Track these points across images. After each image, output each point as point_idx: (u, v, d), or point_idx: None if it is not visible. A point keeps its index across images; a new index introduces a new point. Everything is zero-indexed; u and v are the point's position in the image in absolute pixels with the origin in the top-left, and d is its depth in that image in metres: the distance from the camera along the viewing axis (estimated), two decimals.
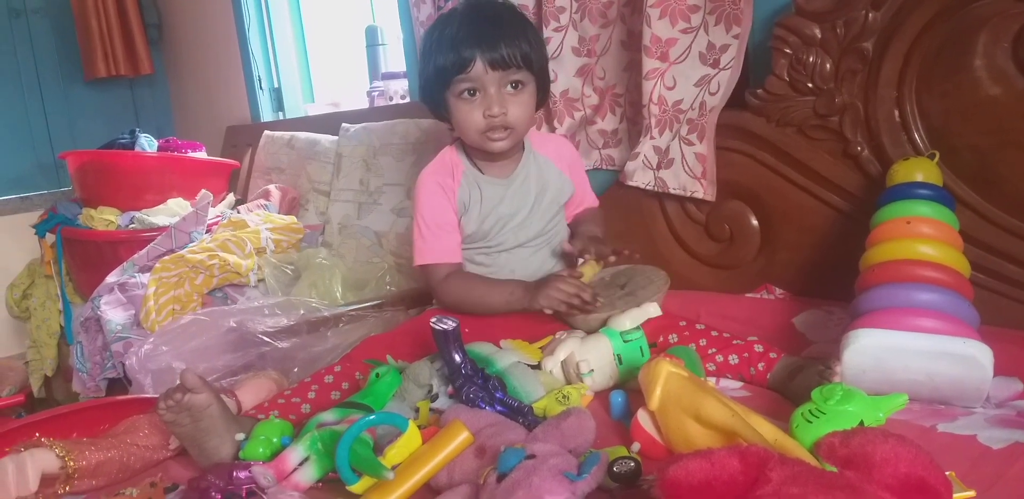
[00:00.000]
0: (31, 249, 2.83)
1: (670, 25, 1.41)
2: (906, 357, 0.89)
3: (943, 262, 0.98)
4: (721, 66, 1.38)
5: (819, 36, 1.24)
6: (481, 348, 1.09)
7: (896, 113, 1.20)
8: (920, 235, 1.01)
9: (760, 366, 1.05)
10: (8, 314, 2.94)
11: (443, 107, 1.24)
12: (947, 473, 0.64)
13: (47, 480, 0.94)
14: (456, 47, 1.16)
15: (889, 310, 0.93)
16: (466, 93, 1.19)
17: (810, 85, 1.27)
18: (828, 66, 1.25)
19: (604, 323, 1.14)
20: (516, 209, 1.29)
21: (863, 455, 0.63)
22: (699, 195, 1.44)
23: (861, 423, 0.80)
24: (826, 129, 1.27)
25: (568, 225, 1.41)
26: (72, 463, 0.95)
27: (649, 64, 1.44)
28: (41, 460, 0.94)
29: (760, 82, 1.34)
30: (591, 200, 1.44)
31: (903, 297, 0.94)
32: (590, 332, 1.15)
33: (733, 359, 1.07)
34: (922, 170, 1.10)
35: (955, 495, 0.70)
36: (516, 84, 1.20)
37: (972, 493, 0.72)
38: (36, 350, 2.76)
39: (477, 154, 1.29)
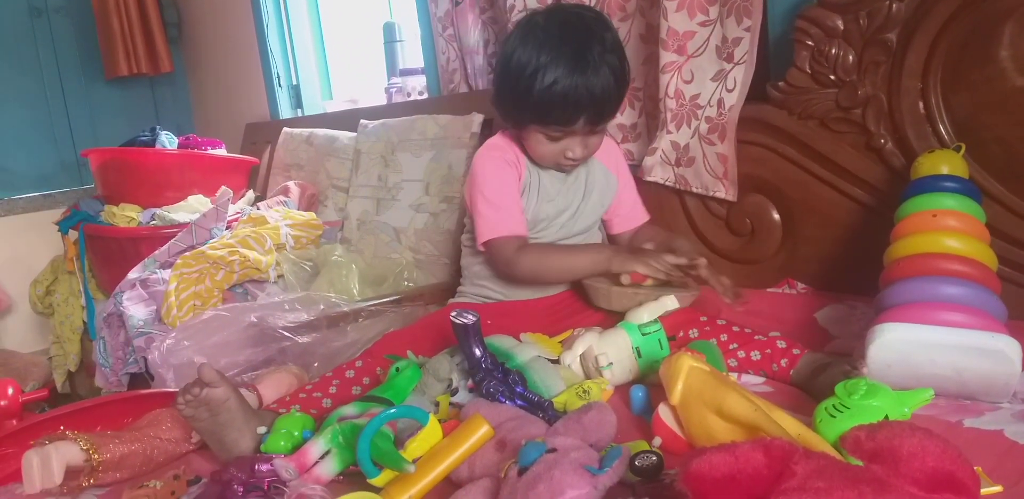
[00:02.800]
0: (54, 246, 2.86)
1: (688, 18, 1.40)
2: (932, 352, 0.88)
3: (970, 255, 0.96)
4: (736, 60, 1.37)
5: (842, 27, 1.23)
6: (501, 342, 1.08)
7: (921, 105, 1.19)
8: (946, 228, 0.99)
9: (783, 362, 1.04)
10: (32, 310, 2.97)
11: (520, 125, 1.22)
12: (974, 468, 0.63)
13: (72, 473, 0.95)
14: (565, 103, 1.13)
15: (915, 304, 0.92)
16: (554, 135, 1.19)
17: (832, 77, 1.26)
18: (851, 58, 1.23)
19: (630, 301, 1.14)
20: (567, 204, 1.29)
21: (890, 449, 0.62)
22: (721, 195, 1.43)
23: (886, 418, 0.79)
24: (849, 122, 1.26)
25: (632, 239, 1.39)
26: (96, 456, 0.95)
27: (666, 57, 1.43)
28: (66, 453, 0.94)
29: (781, 74, 1.32)
30: (643, 212, 1.42)
31: (929, 291, 0.93)
32: (610, 311, 1.15)
33: (755, 355, 1.06)
34: (947, 162, 1.09)
35: (982, 490, 0.69)
36: (600, 128, 1.21)
37: (999, 488, 0.71)
38: (59, 346, 2.79)
39: None
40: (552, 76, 1.12)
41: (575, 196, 1.30)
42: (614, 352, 1.06)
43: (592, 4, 1.58)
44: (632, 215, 1.40)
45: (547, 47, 1.13)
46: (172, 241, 2.11)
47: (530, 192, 1.27)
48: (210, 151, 2.64)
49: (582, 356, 1.07)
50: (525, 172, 1.27)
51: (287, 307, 1.58)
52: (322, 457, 0.88)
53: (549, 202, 1.28)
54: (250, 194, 2.62)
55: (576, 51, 1.13)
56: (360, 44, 2.87)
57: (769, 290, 1.39)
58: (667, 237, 1.33)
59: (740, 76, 1.37)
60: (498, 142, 1.30)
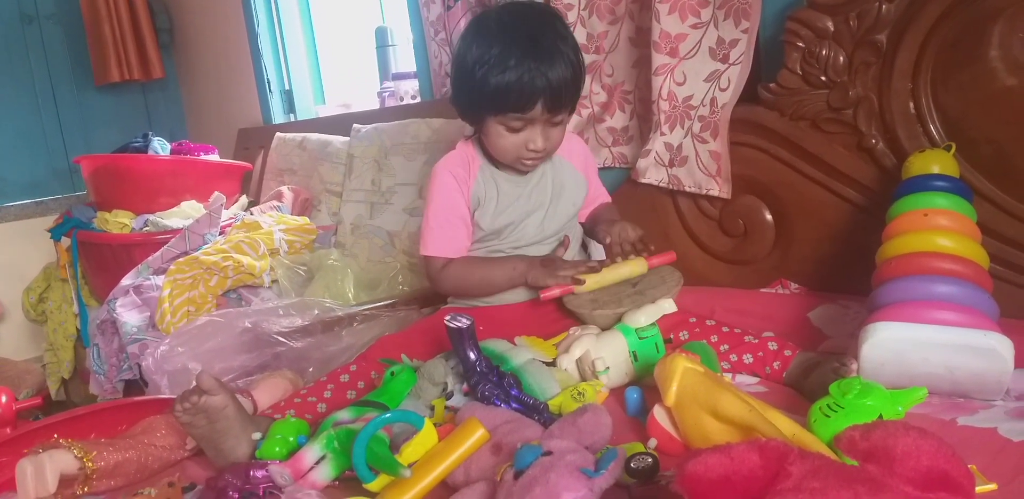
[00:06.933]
0: (47, 253, 2.85)
1: (680, 20, 1.41)
2: (925, 350, 0.88)
3: (961, 254, 0.97)
4: (731, 61, 1.37)
5: (832, 29, 1.24)
6: (496, 345, 1.08)
7: (911, 105, 1.20)
8: (938, 227, 1.00)
9: (775, 365, 1.04)
10: (25, 318, 2.96)
11: (479, 121, 1.23)
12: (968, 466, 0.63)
13: (66, 481, 0.94)
14: (520, 86, 1.13)
15: (907, 303, 0.92)
16: (512, 126, 1.19)
17: (823, 78, 1.26)
18: (841, 59, 1.24)
19: (615, 320, 1.13)
20: (534, 208, 1.29)
21: (884, 448, 0.62)
22: (714, 193, 1.43)
23: (880, 417, 0.79)
24: (840, 122, 1.26)
25: (584, 223, 1.41)
26: (90, 464, 0.95)
27: (658, 60, 1.43)
28: (59, 461, 0.94)
29: (773, 76, 1.33)
30: (603, 196, 1.45)
31: (921, 290, 0.93)
32: (601, 328, 1.15)
33: (747, 358, 1.06)
34: (938, 162, 1.09)
35: (977, 489, 0.69)
36: (560, 118, 1.21)
37: (993, 486, 0.71)
38: (53, 353, 2.78)
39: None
40: (506, 63, 1.12)
41: (542, 199, 1.30)
42: (611, 356, 1.06)
43: (582, 6, 1.58)
44: (590, 205, 1.42)
45: (500, 38, 1.14)
46: (165, 247, 2.11)
47: (487, 202, 1.27)
48: (203, 157, 2.64)
49: (578, 360, 1.07)
50: (476, 184, 1.27)
51: (281, 312, 1.58)
52: (317, 462, 0.88)
53: (510, 207, 1.28)
54: (243, 199, 2.62)
55: (529, 39, 1.14)
56: (352, 48, 2.87)
57: (762, 290, 1.39)
58: (609, 223, 1.31)
59: (735, 76, 1.37)
60: (455, 155, 1.31)
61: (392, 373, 1.05)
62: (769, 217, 1.41)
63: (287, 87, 2.94)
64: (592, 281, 1.19)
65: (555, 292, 1.18)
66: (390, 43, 2.51)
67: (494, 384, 0.95)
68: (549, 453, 0.73)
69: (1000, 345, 0.86)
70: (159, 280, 1.94)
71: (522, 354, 1.06)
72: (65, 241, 2.53)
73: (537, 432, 0.85)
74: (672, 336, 1.10)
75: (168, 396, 1.30)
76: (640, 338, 1.07)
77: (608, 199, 1.45)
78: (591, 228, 1.38)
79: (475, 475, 0.81)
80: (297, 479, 0.87)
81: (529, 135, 1.19)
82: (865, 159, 1.25)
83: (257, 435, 0.97)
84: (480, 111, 1.20)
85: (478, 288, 1.28)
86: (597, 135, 1.66)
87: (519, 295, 1.28)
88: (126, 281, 2.05)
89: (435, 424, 0.89)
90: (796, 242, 1.37)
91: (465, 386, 0.99)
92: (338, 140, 2.39)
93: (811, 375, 0.98)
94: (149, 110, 3.51)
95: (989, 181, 1.14)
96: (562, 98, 1.17)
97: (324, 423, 0.95)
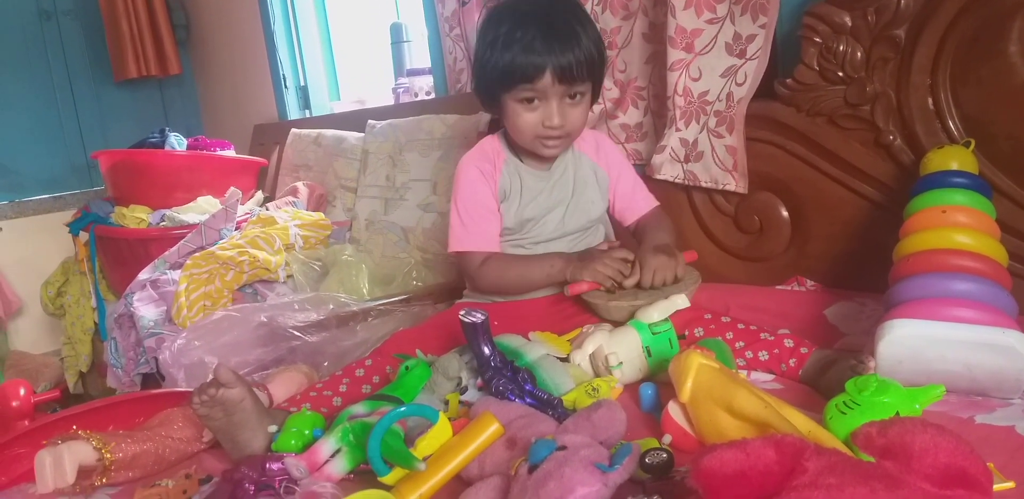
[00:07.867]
0: (65, 247, 2.88)
1: (695, 15, 1.40)
2: (943, 347, 0.87)
3: (980, 251, 0.96)
4: (748, 56, 1.37)
5: (849, 24, 1.23)
6: (510, 340, 1.08)
7: (930, 101, 1.18)
8: (956, 224, 0.99)
9: (791, 362, 1.03)
10: (43, 311, 2.99)
11: (497, 104, 1.23)
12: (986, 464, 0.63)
13: (84, 472, 0.96)
14: (526, 53, 1.12)
15: (925, 300, 0.91)
16: (526, 100, 1.18)
17: (841, 74, 1.25)
18: (859, 54, 1.23)
19: (630, 315, 1.13)
20: (555, 204, 1.29)
21: (902, 445, 0.62)
22: (731, 188, 1.43)
23: (897, 414, 0.78)
24: (857, 118, 1.25)
25: (632, 231, 1.38)
26: (109, 455, 0.96)
27: (674, 55, 1.43)
28: (78, 452, 0.95)
29: (789, 72, 1.32)
30: (647, 198, 1.38)
31: (939, 287, 0.92)
32: (614, 323, 1.15)
33: (763, 355, 1.05)
34: (957, 158, 1.08)
35: (994, 487, 0.69)
36: (576, 94, 1.19)
37: (1012, 484, 0.70)
38: (71, 346, 2.81)
39: (520, 146, 1.28)
40: (513, 37, 1.13)
41: (563, 195, 1.29)
42: (624, 352, 1.05)
43: (595, 2, 1.58)
44: (631, 207, 1.37)
45: (511, 19, 1.15)
46: (182, 242, 2.12)
47: (511, 195, 1.27)
48: (219, 152, 2.65)
49: (592, 355, 1.07)
50: (503, 177, 1.27)
51: (297, 307, 1.59)
52: (333, 455, 0.89)
53: (533, 201, 1.27)
54: (259, 195, 2.63)
55: (542, 20, 1.14)
56: (367, 45, 2.88)
57: (778, 287, 1.39)
58: (653, 247, 1.24)
59: (751, 71, 1.36)
60: (481, 148, 1.31)
61: (407, 367, 1.06)
62: (785, 213, 1.40)
63: (302, 83, 2.96)
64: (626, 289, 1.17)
65: (583, 287, 1.17)
66: (405, 39, 2.52)
67: (508, 379, 0.95)
68: (563, 448, 0.73)
69: (1019, 343, 0.85)
70: (175, 275, 1.95)
71: (536, 349, 1.06)
72: (83, 236, 2.55)
73: (551, 427, 0.85)
74: (687, 333, 1.10)
75: (185, 389, 1.31)
76: (653, 333, 1.07)
77: (655, 203, 1.38)
78: (639, 239, 1.33)
79: (489, 469, 0.81)
80: (312, 472, 0.87)
81: (545, 112, 1.18)
82: (882, 155, 1.24)
83: (273, 428, 0.98)
84: (495, 91, 1.19)
85: (515, 286, 1.27)
86: (610, 131, 1.65)
87: (534, 291, 1.28)
88: (143, 275, 2.06)
89: (449, 418, 0.89)
90: (812, 239, 1.36)
91: (479, 381, 0.99)
92: (353, 136, 2.40)
93: (827, 372, 0.98)
94: (166, 106, 3.54)
95: (1008, 177, 1.13)
96: (571, 64, 1.14)
97: (339, 416, 0.96)
